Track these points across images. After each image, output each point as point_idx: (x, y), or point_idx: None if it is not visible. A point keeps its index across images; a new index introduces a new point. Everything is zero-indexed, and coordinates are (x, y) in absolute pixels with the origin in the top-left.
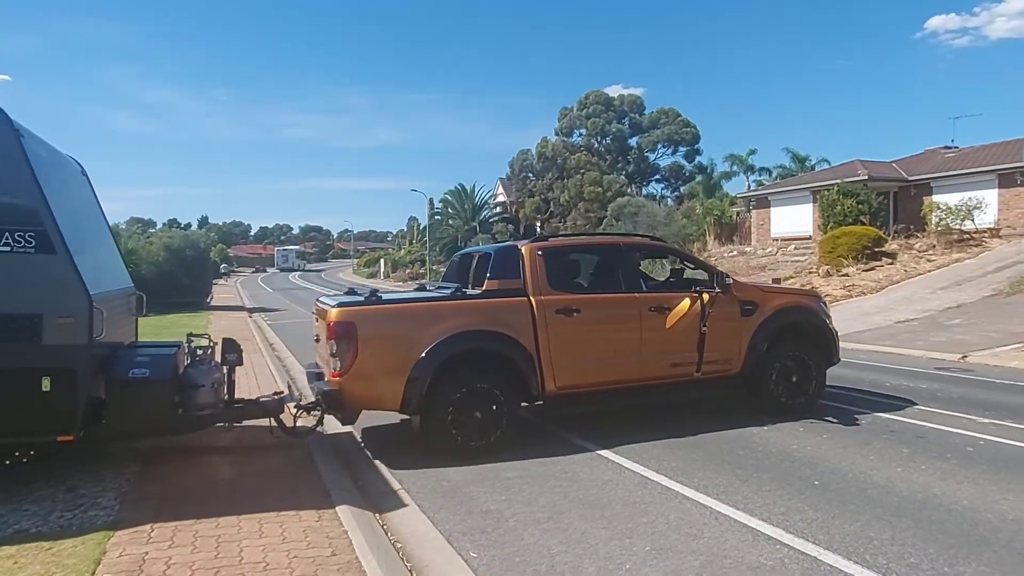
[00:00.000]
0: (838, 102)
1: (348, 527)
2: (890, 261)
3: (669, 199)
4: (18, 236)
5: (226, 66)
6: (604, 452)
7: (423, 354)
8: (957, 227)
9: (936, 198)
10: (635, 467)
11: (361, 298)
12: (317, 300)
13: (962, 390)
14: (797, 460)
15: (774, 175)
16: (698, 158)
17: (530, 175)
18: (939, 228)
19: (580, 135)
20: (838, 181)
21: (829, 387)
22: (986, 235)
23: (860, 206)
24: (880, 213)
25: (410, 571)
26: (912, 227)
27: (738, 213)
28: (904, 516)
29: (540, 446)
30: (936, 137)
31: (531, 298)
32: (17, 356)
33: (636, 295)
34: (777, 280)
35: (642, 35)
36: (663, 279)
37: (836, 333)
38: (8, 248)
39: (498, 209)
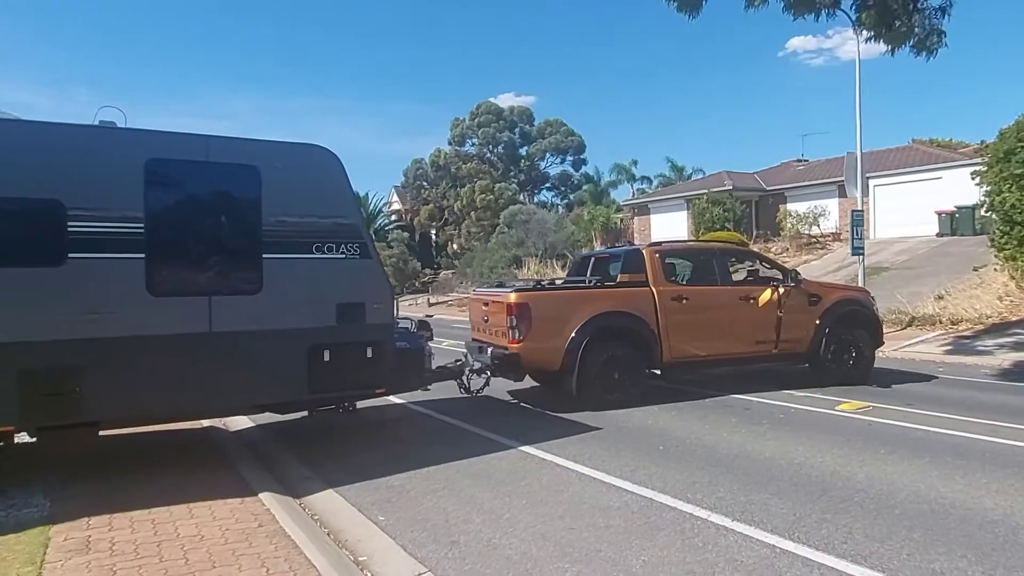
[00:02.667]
0: (715, 115)
1: (270, 506)
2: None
3: (559, 206)
4: (349, 247)
5: (91, 66)
6: (491, 435)
7: (576, 328)
8: (806, 232)
9: (789, 206)
10: (515, 444)
11: (530, 286)
12: (475, 290)
13: (795, 372)
14: (650, 432)
15: (655, 184)
16: (584, 167)
17: (424, 184)
18: (791, 233)
19: (472, 144)
20: (707, 191)
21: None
22: (829, 239)
23: (726, 214)
24: (743, 220)
25: (328, 535)
26: (770, 232)
27: (622, 220)
28: (720, 466)
29: (438, 433)
30: (795, 149)
31: (652, 288)
32: (354, 332)
33: (729, 287)
34: None
35: (533, 45)
36: (745, 276)
37: (881, 321)
38: (343, 256)
39: (393, 217)
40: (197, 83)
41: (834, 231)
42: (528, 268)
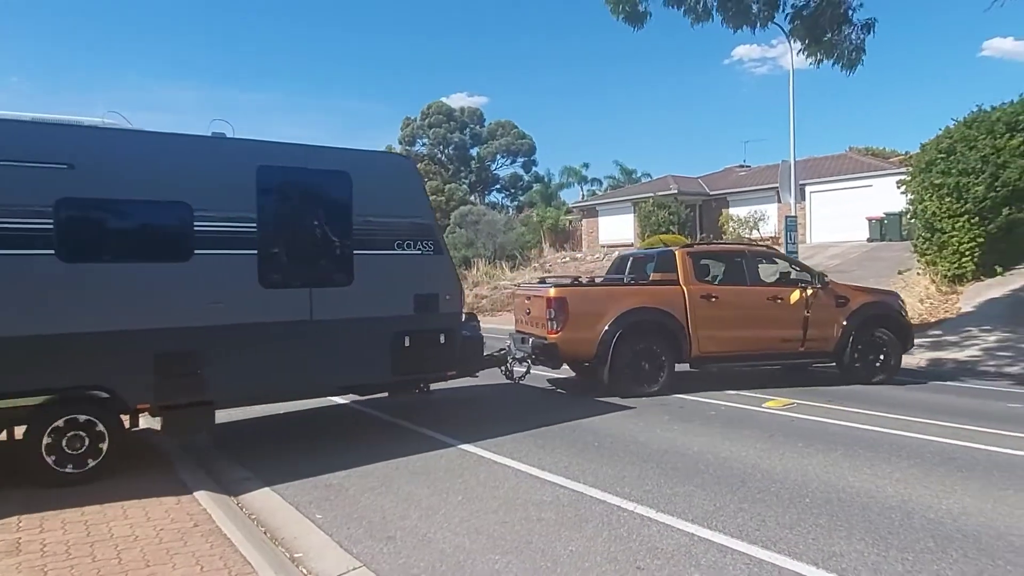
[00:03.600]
0: (664, 119)
1: (206, 506)
2: None
3: (510, 208)
4: (424, 244)
5: (22, 52)
6: (432, 433)
7: (610, 322)
8: (747, 236)
9: (732, 211)
10: (455, 443)
11: (568, 282)
12: (518, 286)
13: (725, 372)
14: (585, 430)
15: (605, 186)
16: (535, 169)
17: None
18: (733, 237)
19: (423, 144)
20: (653, 194)
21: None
22: (769, 242)
23: (671, 217)
24: (688, 223)
25: (265, 533)
26: (713, 236)
27: (571, 222)
28: (650, 461)
29: (380, 431)
30: (739, 155)
31: (683, 286)
32: (429, 321)
33: (757, 287)
34: None
35: (486, 45)
36: (775, 277)
37: (911, 324)
38: (420, 252)
39: None
40: (123, 69)
41: (773, 235)
42: (477, 268)
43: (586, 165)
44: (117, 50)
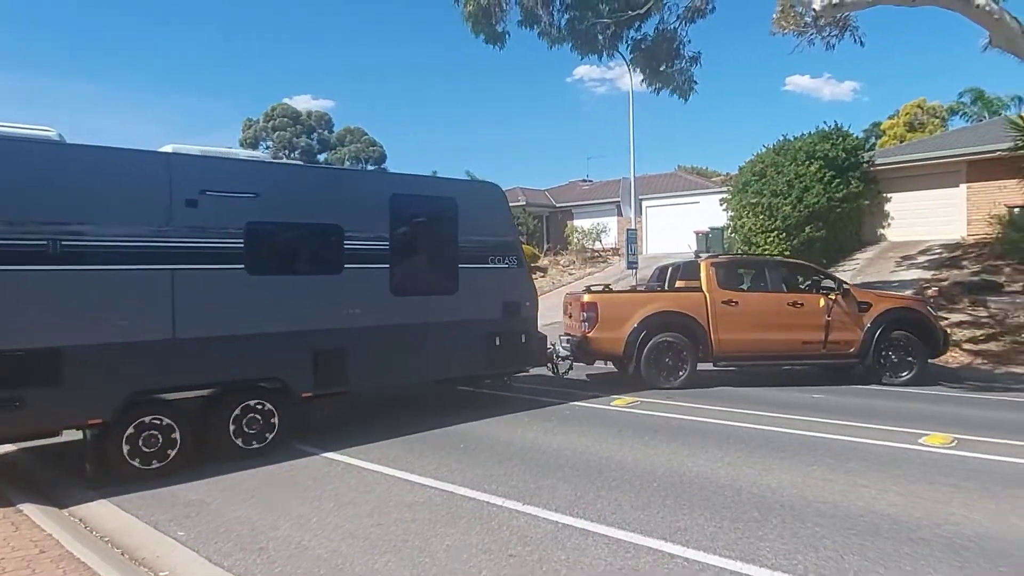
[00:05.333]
0: (513, 131)
1: (52, 531)
2: (543, 274)
3: None
4: (510, 259)
5: None
6: (296, 443)
7: (636, 323)
8: (590, 247)
9: (576, 222)
10: (323, 452)
11: (601, 288)
12: (568, 292)
13: (606, 376)
14: (451, 434)
15: None
16: None
17: None
18: (577, 248)
19: (267, 147)
20: None
21: (518, 380)
22: (610, 254)
23: (520, 227)
24: (536, 234)
25: (122, 554)
26: (559, 246)
27: None
28: (515, 459)
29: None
30: (583, 170)
31: (706, 293)
32: (514, 324)
33: (777, 294)
34: None
35: (330, 47)
36: (804, 285)
37: (941, 330)
38: (507, 266)
39: None
40: None
41: (614, 246)
42: None
43: (435, 174)
44: None
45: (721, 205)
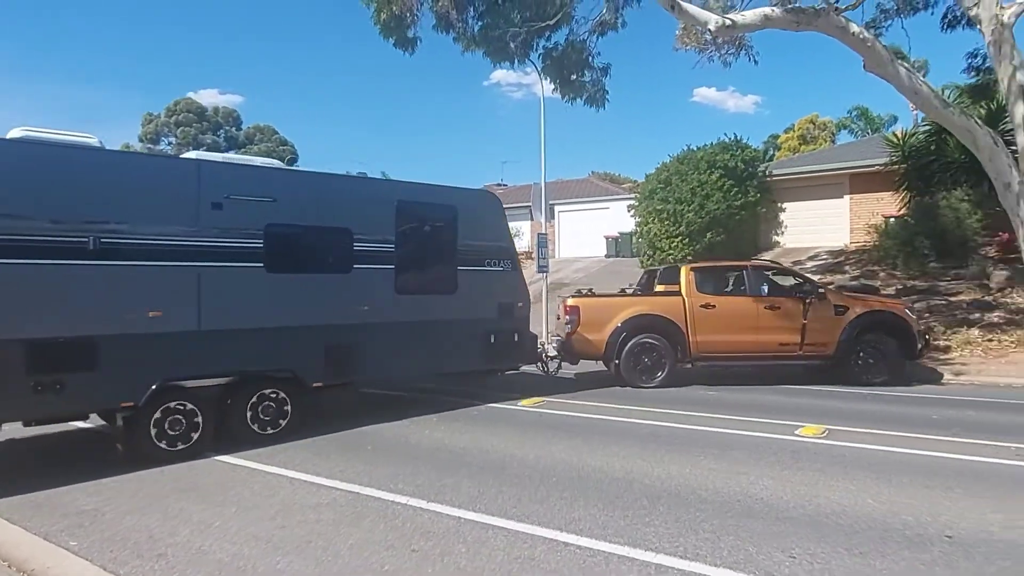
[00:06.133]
0: (430, 133)
1: None
2: None
3: None
4: (505, 262)
5: None
6: (203, 451)
7: (616, 325)
8: None
9: None
10: (225, 457)
11: (583, 293)
12: (559, 296)
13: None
14: (358, 436)
15: None
16: None
17: None
18: None
19: (169, 144)
20: None
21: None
22: (524, 257)
23: None
24: None
25: (9, 566)
26: None
27: None
28: (422, 459)
29: (131, 453)
30: (498, 174)
31: (684, 296)
32: (508, 323)
33: (755, 297)
34: None
35: (238, 40)
36: (782, 289)
37: (918, 332)
38: (502, 268)
39: None
40: None
41: (527, 250)
42: None
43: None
44: None
45: (629, 211)
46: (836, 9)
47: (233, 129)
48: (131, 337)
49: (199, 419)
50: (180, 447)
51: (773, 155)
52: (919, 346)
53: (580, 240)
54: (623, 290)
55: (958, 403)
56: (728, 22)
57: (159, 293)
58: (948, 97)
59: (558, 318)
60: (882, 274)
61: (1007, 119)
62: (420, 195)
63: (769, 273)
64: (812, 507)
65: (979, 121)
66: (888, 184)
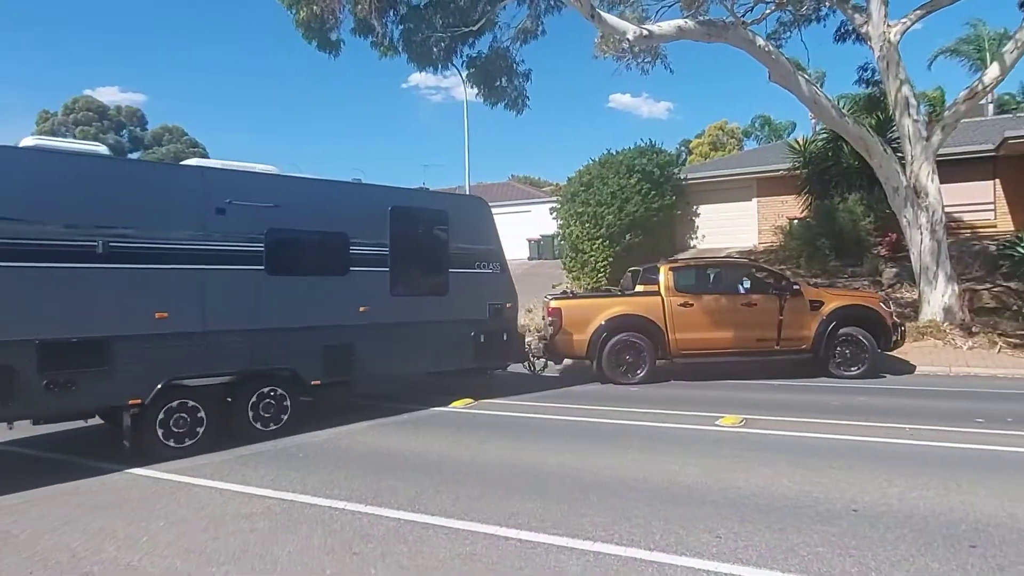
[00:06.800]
0: (350, 136)
1: None
2: None
3: None
4: (494, 265)
5: None
6: (115, 465)
7: (597, 326)
8: None
9: None
10: (148, 472)
11: (566, 295)
12: (545, 297)
13: (451, 383)
14: (291, 445)
15: None
16: None
17: None
18: None
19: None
20: None
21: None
22: None
23: None
24: None
25: None
26: None
27: None
28: (355, 464)
29: (40, 470)
30: (420, 177)
31: (663, 296)
32: (498, 323)
33: (732, 295)
34: None
35: (140, 38)
36: (758, 286)
37: (894, 325)
38: (491, 271)
39: None
40: None
41: None
42: None
43: None
44: None
45: (551, 214)
46: (744, 23)
47: (138, 129)
48: (138, 338)
49: (202, 416)
50: (186, 443)
51: (686, 159)
52: (894, 338)
53: (503, 243)
54: (610, 290)
55: (855, 391)
56: (645, 32)
57: (165, 295)
58: (843, 107)
59: (543, 318)
60: (788, 272)
61: (895, 128)
62: (413, 200)
63: (746, 271)
64: (733, 490)
65: (871, 130)
66: (792, 188)
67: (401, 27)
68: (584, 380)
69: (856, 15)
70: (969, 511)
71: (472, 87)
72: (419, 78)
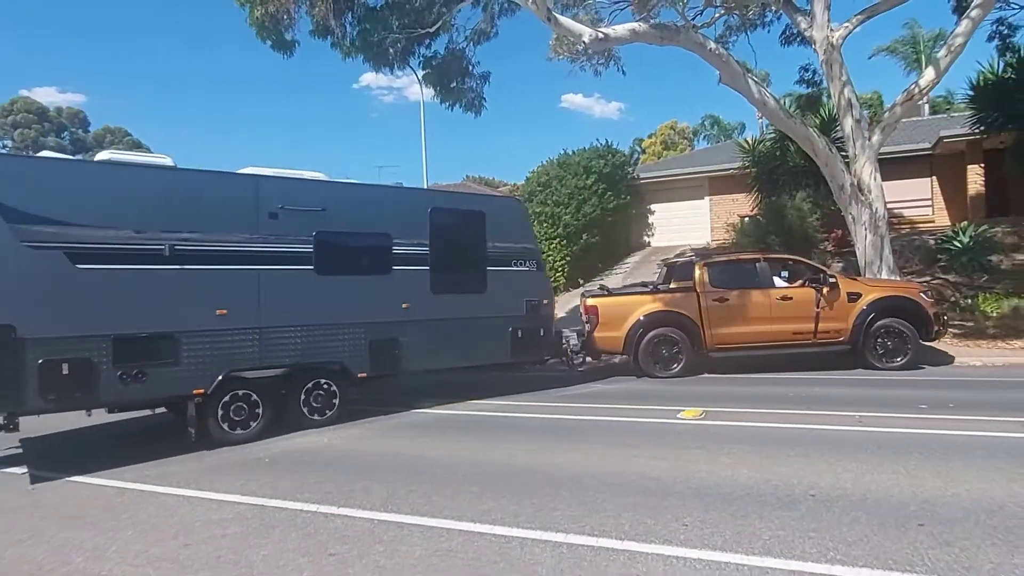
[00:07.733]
0: (302, 138)
1: None
2: None
3: None
4: (531, 263)
5: None
6: (77, 477)
7: (634, 322)
8: None
9: None
10: (112, 481)
11: (603, 293)
12: (582, 295)
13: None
14: (257, 451)
15: None
16: None
17: None
18: None
19: (6, 147)
20: None
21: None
22: None
23: None
24: None
25: None
26: None
27: None
28: (327, 467)
29: (7, 488)
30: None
31: (698, 292)
32: (534, 320)
33: (767, 289)
34: None
35: (79, 37)
36: (795, 280)
37: (935, 315)
38: (528, 269)
39: None
40: None
41: None
42: None
43: None
44: None
45: None
46: (695, 27)
47: (80, 131)
48: (201, 333)
49: (259, 407)
50: (245, 430)
51: (639, 159)
52: (935, 328)
53: None
54: (646, 286)
55: (807, 382)
56: (601, 35)
57: (225, 294)
58: (788, 107)
59: (580, 315)
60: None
61: (839, 128)
62: (452, 202)
63: (782, 265)
64: (697, 480)
65: (817, 130)
66: (742, 186)
67: (358, 28)
68: (723, 371)
69: (801, 19)
70: (917, 492)
71: (428, 88)
72: (371, 79)
